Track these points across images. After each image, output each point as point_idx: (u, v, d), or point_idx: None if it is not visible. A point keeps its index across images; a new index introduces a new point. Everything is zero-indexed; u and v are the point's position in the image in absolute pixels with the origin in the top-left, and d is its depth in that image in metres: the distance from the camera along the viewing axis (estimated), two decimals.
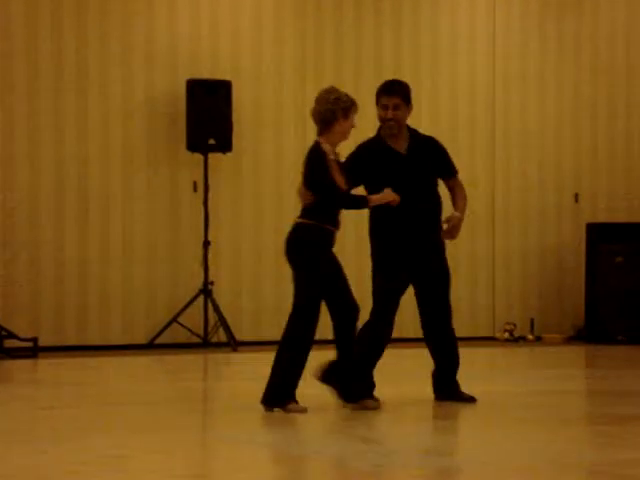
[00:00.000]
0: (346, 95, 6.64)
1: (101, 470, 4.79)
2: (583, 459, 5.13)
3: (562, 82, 12.33)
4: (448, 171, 6.95)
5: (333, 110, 6.49)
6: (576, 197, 12.31)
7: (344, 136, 6.60)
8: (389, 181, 6.65)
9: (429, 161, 6.87)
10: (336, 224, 6.55)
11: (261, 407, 6.54)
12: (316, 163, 6.44)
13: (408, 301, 6.96)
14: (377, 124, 7.14)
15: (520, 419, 6.38)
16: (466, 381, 6.97)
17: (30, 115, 10.50)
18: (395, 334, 6.98)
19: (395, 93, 6.93)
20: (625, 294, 11.59)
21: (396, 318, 6.82)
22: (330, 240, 6.56)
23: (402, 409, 6.62)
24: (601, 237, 11.75)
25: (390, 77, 11.69)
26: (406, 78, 11.61)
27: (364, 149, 6.92)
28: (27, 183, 10.49)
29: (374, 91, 11.57)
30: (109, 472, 4.76)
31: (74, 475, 4.71)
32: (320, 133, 6.54)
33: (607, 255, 11.65)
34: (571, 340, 11.80)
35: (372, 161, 6.83)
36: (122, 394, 7.49)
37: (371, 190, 6.75)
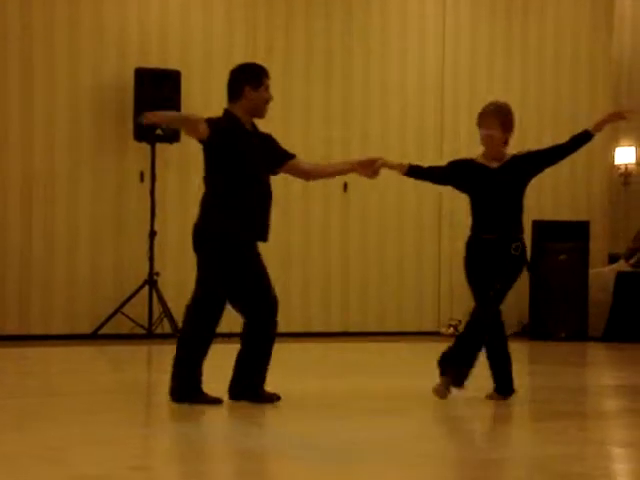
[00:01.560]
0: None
1: (40, 462, 4.72)
2: (520, 454, 5.16)
3: (510, 79, 12.41)
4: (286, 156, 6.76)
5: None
6: None
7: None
8: None
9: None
10: None
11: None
12: None
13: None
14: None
15: (460, 415, 6.40)
16: (409, 376, 6.99)
17: None
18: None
19: None
20: (568, 292, 11.70)
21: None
22: None
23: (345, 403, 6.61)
24: (546, 235, 11.85)
25: (339, 69, 11.82)
26: (356, 70, 11.77)
27: None
28: None
29: (324, 82, 11.68)
30: (48, 464, 4.69)
31: (11, 467, 4.63)
32: None
33: (551, 253, 11.76)
34: (515, 336, 11.88)
35: None
36: (64, 385, 7.40)
37: None
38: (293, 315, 11.21)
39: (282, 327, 6.67)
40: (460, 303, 12.11)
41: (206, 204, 6.51)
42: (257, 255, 6.48)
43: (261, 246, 6.45)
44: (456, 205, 12.21)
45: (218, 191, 6.44)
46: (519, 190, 6.82)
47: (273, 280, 6.43)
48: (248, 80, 6.53)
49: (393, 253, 11.94)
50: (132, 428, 5.72)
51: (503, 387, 6.69)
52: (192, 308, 6.45)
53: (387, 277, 11.91)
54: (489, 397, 6.66)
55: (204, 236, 6.46)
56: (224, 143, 6.41)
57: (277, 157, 6.64)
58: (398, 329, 11.92)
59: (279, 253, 10.91)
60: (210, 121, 6.41)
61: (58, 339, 10.34)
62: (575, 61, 12.69)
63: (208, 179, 6.55)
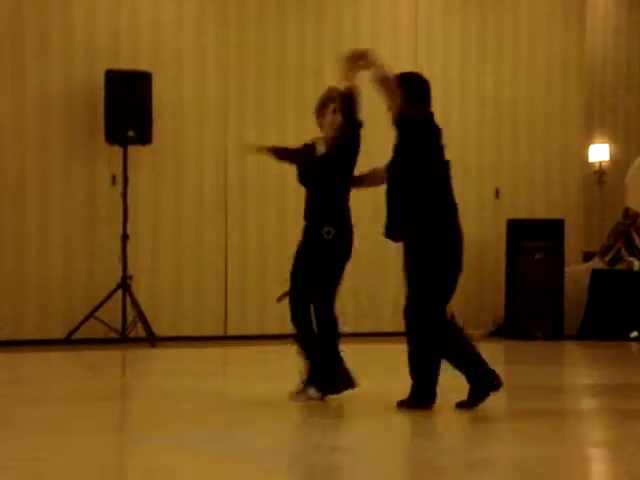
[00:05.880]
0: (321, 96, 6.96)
1: (10, 475, 4.63)
2: (494, 455, 5.14)
3: (483, 79, 12.40)
4: None
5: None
6: (497, 192, 12.40)
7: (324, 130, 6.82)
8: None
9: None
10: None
11: (179, 405, 6.47)
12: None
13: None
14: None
15: (433, 416, 6.35)
16: (385, 377, 6.96)
17: None
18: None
19: None
20: (543, 290, 11.70)
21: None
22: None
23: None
24: (521, 233, 11.84)
25: (312, 70, 11.77)
26: (329, 72, 11.71)
27: None
28: None
29: (297, 84, 11.63)
30: (19, 477, 4.61)
31: None
32: None
33: (527, 251, 11.75)
34: (491, 336, 11.88)
35: None
36: (36, 392, 7.32)
37: None
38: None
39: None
40: None
41: None
42: None
43: None
44: None
45: None
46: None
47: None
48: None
49: None
50: (107, 436, 5.65)
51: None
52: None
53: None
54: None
55: None
56: None
57: None
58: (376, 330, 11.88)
59: None
60: None
61: (30, 344, 10.23)
62: (548, 64, 12.69)
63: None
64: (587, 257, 12.59)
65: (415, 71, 6.94)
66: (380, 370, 8.51)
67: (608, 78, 13.70)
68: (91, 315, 10.39)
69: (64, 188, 10.64)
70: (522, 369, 9.16)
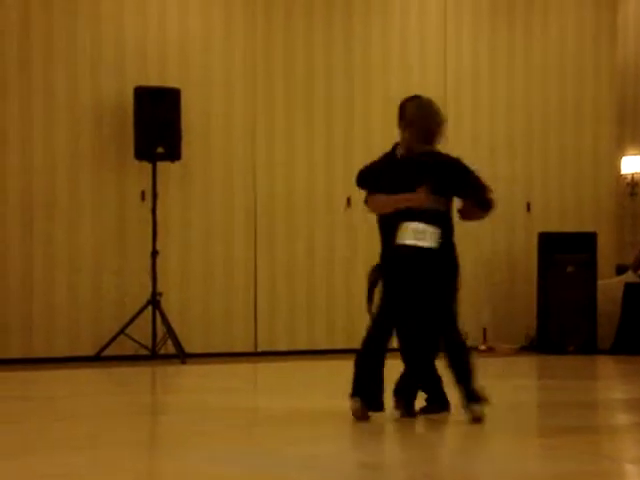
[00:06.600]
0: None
1: None
2: (529, 472, 5.08)
3: (513, 92, 12.33)
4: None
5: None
6: (528, 206, 12.32)
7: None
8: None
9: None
10: None
11: (209, 421, 6.44)
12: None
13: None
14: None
15: (468, 431, 6.30)
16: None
17: None
18: None
19: None
20: (576, 304, 11.59)
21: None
22: None
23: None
24: (553, 247, 11.75)
25: (340, 86, 11.76)
26: (357, 87, 11.71)
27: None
28: None
29: (324, 100, 11.62)
30: None
31: None
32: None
33: (559, 265, 11.66)
34: (523, 350, 11.79)
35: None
36: (67, 408, 7.33)
37: None
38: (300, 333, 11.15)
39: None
40: (468, 316, 12.00)
41: None
42: None
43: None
44: None
45: None
46: None
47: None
48: None
49: None
50: (137, 451, 5.63)
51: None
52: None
53: None
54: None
55: None
56: None
57: None
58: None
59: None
60: None
61: (61, 361, 10.25)
62: (579, 70, 12.60)
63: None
64: (620, 270, 12.46)
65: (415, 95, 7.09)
66: None
67: None
68: (121, 332, 10.39)
69: (94, 204, 10.66)
70: (555, 384, 9.08)
